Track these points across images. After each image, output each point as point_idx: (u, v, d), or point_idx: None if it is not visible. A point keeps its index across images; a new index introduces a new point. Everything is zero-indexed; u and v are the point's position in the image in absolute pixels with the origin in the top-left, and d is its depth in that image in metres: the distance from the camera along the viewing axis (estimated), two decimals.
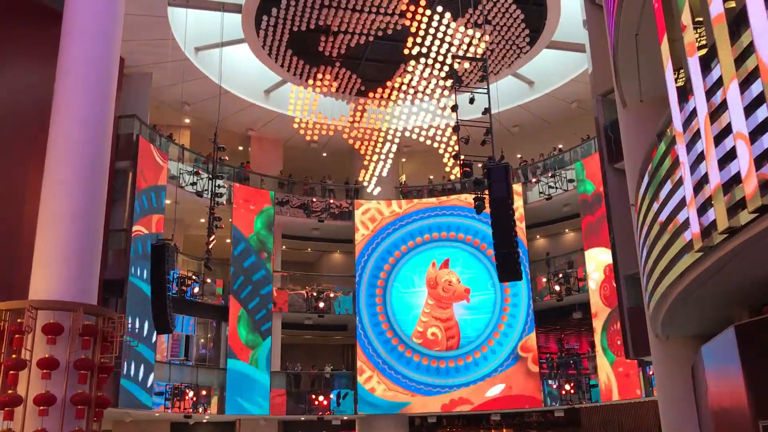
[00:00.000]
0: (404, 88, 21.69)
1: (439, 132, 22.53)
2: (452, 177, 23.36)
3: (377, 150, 22.91)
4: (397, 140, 22.94)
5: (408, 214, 27.11)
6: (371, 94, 22.23)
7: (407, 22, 19.26)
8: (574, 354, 26.03)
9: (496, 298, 25.36)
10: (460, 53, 19.62)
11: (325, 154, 28.72)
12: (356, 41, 20.99)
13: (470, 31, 19.15)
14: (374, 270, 26.44)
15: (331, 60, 21.83)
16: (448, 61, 20.11)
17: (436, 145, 22.60)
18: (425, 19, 19.02)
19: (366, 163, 23.28)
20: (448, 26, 19.17)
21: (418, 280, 26.19)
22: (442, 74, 20.65)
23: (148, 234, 20.20)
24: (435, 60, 20.34)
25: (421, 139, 22.78)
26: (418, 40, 19.50)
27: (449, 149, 22.16)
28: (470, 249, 26.23)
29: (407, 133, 22.84)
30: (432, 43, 19.63)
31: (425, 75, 20.85)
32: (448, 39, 19.55)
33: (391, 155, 23.22)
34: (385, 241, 26.76)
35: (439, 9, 18.93)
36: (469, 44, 19.51)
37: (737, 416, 6.57)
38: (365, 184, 23.96)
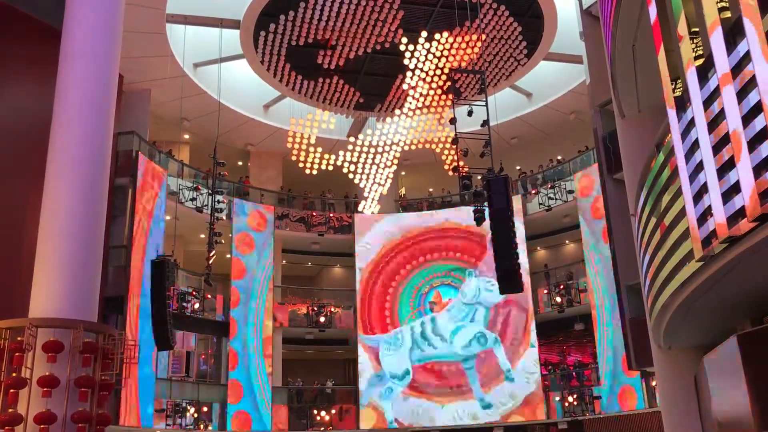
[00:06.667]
0: (404, 100, 21.75)
1: (440, 143, 22.57)
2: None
3: (377, 162, 22.86)
4: (397, 154, 22.94)
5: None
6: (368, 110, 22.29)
7: (404, 59, 19.45)
8: (577, 365, 25.90)
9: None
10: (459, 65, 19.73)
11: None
12: (354, 54, 21.06)
13: (468, 43, 19.25)
14: None
15: (329, 74, 21.90)
16: (447, 70, 20.20)
17: (439, 150, 22.50)
18: (421, 42, 19.19)
19: (366, 193, 23.26)
20: (445, 42, 19.27)
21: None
22: (440, 84, 20.69)
23: None
24: (434, 73, 20.41)
25: (425, 144, 22.75)
26: (416, 58, 19.65)
27: (451, 152, 22.13)
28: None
29: (407, 147, 22.85)
30: (426, 58, 19.74)
31: (424, 88, 20.90)
32: (445, 52, 19.65)
33: (390, 174, 23.19)
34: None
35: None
36: (468, 55, 19.58)
37: (741, 426, 6.53)
38: (365, 211, 23.91)
